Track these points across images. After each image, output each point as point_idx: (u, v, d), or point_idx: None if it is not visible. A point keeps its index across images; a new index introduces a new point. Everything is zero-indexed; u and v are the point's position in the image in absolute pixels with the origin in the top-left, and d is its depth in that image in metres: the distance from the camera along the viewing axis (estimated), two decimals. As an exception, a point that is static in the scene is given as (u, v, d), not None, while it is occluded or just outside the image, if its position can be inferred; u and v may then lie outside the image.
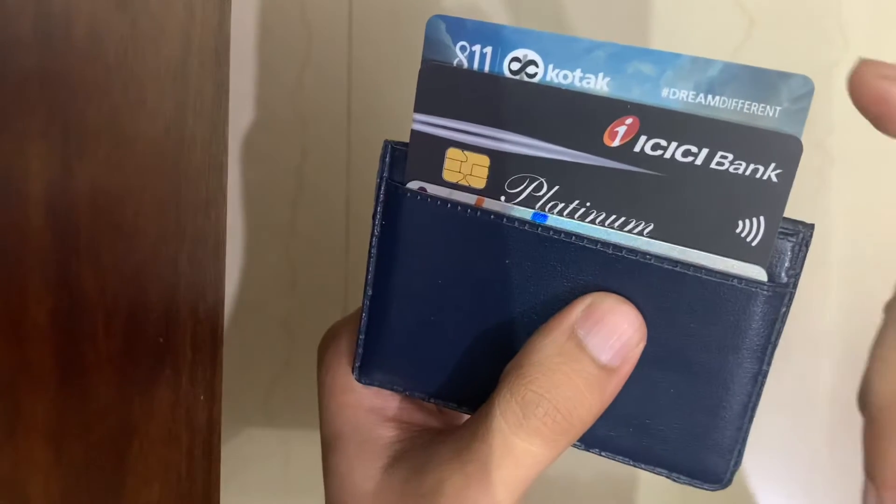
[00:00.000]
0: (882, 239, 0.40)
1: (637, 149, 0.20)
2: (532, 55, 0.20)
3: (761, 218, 0.20)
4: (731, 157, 0.19)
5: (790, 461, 0.42)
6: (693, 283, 0.20)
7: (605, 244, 0.21)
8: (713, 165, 0.19)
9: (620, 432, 0.22)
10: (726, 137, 0.19)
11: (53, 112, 0.19)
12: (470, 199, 0.21)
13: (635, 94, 0.20)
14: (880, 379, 0.20)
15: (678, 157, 0.20)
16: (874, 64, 0.19)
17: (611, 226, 0.21)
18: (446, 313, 0.22)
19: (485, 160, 0.21)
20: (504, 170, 0.21)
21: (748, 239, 0.20)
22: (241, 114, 0.41)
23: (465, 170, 0.21)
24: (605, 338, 0.20)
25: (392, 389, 0.23)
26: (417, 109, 0.21)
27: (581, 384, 0.20)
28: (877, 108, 0.19)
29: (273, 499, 0.45)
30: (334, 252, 0.42)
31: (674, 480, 0.22)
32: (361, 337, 0.23)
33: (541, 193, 0.21)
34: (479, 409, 0.21)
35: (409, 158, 0.22)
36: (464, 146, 0.21)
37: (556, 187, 0.21)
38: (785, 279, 0.20)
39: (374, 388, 0.24)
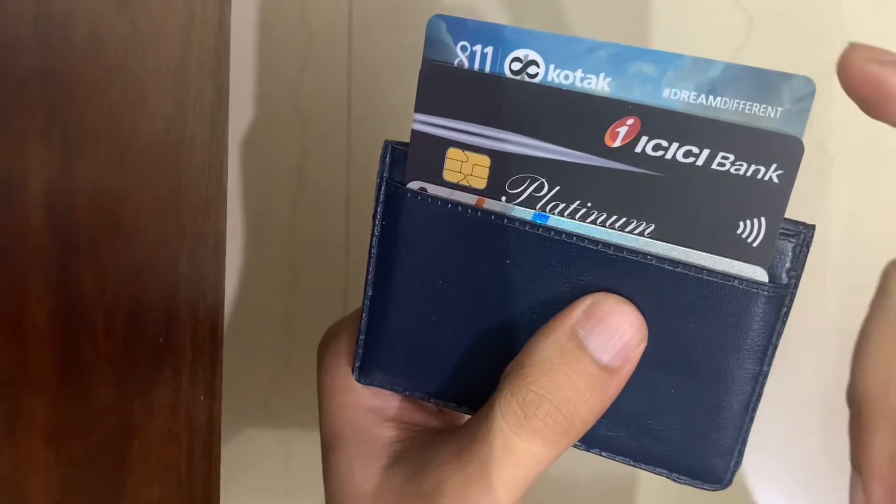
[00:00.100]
0: (882, 239, 0.40)
1: (638, 149, 0.20)
2: (533, 55, 0.20)
3: (762, 219, 0.20)
4: (732, 157, 0.19)
5: (790, 461, 0.42)
6: (694, 283, 0.20)
7: (606, 245, 0.21)
8: (714, 166, 0.19)
9: (621, 432, 0.22)
10: (727, 138, 0.19)
11: (53, 112, 0.19)
12: (470, 199, 0.21)
13: (636, 95, 0.20)
14: (862, 370, 0.20)
15: (679, 157, 0.20)
16: (863, 48, 0.19)
17: (612, 226, 0.21)
18: (446, 313, 0.22)
19: (485, 160, 0.21)
20: (505, 170, 0.21)
21: (749, 240, 0.20)
22: (241, 114, 0.41)
23: (465, 170, 0.21)
24: (606, 338, 0.20)
25: (392, 389, 0.23)
26: (418, 109, 0.21)
27: (582, 385, 0.20)
28: (864, 91, 0.19)
29: (273, 499, 0.45)
30: (334, 252, 0.42)
31: (674, 481, 0.22)
32: (361, 337, 0.23)
33: (542, 194, 0.21)
34: (480, 409, 0.21)
35: (410, 158, 0.22)
36: (464, 146, 0.21)
37: (557, 188, 0.21)
38: (786, 280, 0.20)
39: (374, 388, 0.24)
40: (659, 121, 0.19)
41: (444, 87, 0.21)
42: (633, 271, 0.20)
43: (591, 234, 0.21)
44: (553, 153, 0.20)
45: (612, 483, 0.43)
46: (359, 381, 0.24)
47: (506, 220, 0.21)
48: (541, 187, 0.21)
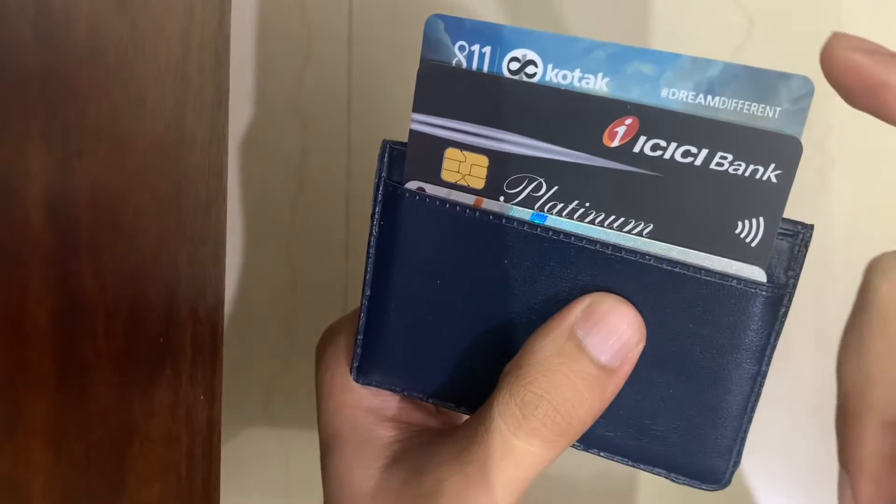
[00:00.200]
0: (882, 239, 0.40)
1: (636, 149, 0.20)
2: (531, 55, 0.20)
3: (760, 219, 0.20)
4: (730, 157, 0.19)
5: (790, 461, 0.42)
6: (692, 283, 0.20)
7: (605, 244, 0.21)
8: (713, 166, 0.19)
9: (619, 432, 0.22)
10: (726, 138, 0.19)
11: (53, 112, 0.19)
12: (468, 199, 0.21)
13: (635, 95, 0.20)
14: (846, 367, 0.20)
15: (678, 157, 0.20)
16: (846, 37, 0.19)
17: (610, 226, 0.21)
18: (445, 313, 0.22)
19: (483, 160, 0.21)
20: (503, 170, 0.21)
21: (747, 239, 0.20)
22: (241, 114, 0.41)
23: (463, 170, 0.21)
24: (604, 338, 0.20)
25: (390, 389, 0.23)
26: (416, 109, 0.21)
27: (580, 385, 0.20)
28: (845, 80, 0.19)
29: (273, 499, 0.45)
30: (334, 252, 0.42)
31: (672, 481, 0.22)
32: (360, 337, 0.23)
33: (540, 194, 0.21)
34: (479, 409, 0.21)
35: (408, 158, 0.22)
36: (462, 146, 0.21)
37: (556, 187, 0.21)
38: (784, 280, 0.20)
39: (373, 388, 0.24)
40: (657, 120, 0.19)
41: (443, 87, 0.21)
42: (631, 271, 0.20)
43: (590, 234, 0.21)
44: (551, 153, 0.20)
45: (611, 483, 0.43)
46: (357, 381, 0.24)
47: (504, 220, 0.21)
48: (539, 187, 0.21)
